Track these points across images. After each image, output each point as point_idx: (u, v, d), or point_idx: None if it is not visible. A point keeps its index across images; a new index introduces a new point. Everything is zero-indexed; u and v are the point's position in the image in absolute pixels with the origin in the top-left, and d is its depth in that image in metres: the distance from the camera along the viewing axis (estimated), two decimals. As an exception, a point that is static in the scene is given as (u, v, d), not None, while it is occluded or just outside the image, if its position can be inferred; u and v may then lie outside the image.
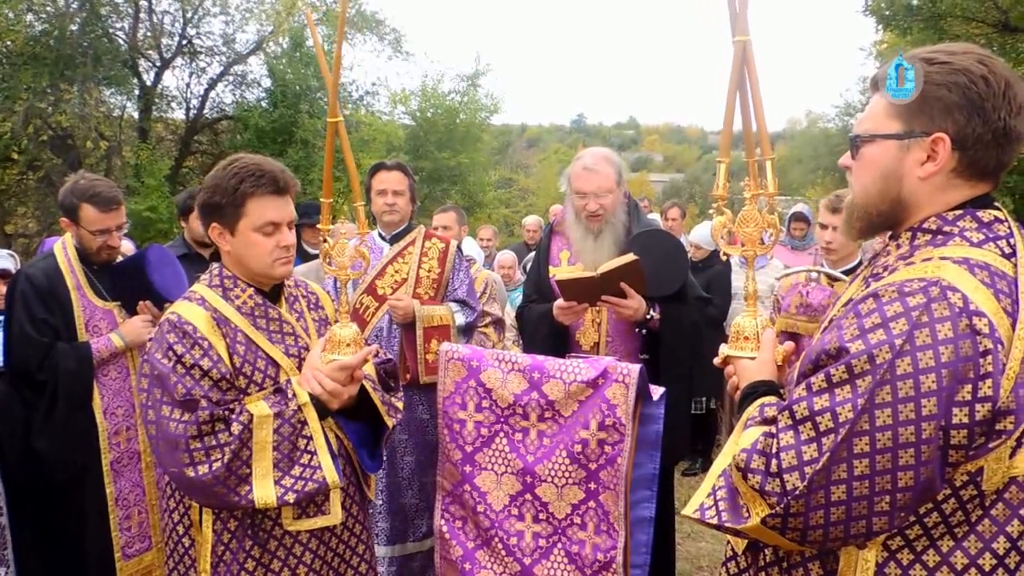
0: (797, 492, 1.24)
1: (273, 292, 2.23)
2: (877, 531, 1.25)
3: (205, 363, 1.99)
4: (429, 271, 3.62)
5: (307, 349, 2.20)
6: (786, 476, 1.25)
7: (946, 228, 1.34)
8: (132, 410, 3.23)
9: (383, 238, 3.69)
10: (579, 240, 3.21)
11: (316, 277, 3.66)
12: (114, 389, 3.19)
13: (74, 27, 12.42)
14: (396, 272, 3.60)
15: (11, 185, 12.98)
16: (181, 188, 10.85)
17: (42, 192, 12.99)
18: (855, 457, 1.21)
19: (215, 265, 2.21)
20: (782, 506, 1.25)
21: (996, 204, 1.37)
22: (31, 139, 11.77)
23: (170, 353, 1.99)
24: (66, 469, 3.08)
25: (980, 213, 1.34)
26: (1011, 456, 1.24)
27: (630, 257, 2.93)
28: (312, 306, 2.35)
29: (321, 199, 2.23)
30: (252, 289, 2.17)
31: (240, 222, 2.08)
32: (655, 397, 2.64)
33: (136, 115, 14.85)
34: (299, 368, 2.16)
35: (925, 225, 1.36)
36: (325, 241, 2.21)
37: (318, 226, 2.27)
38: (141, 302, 3.24)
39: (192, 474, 1.92)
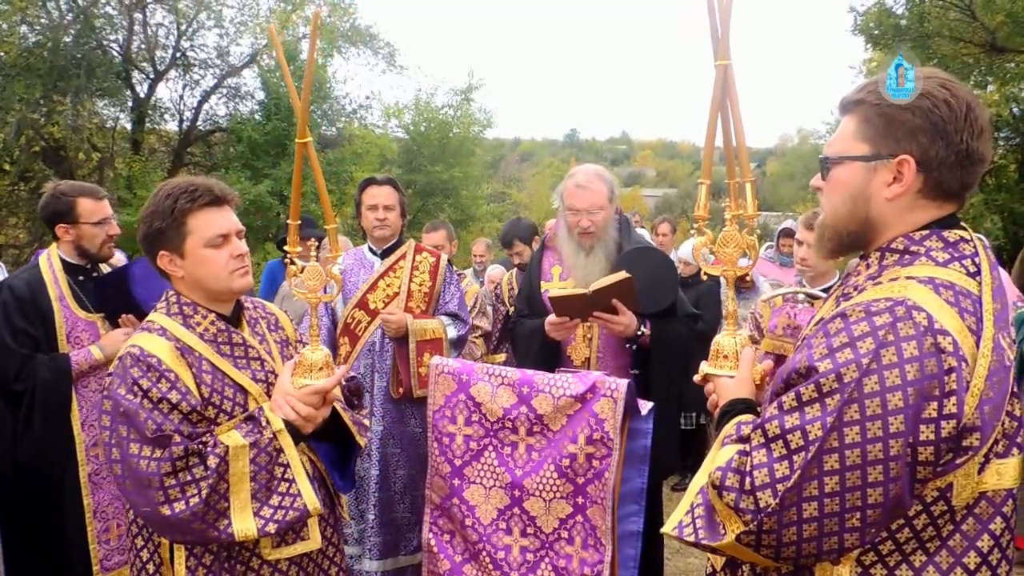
0: (769, 509, 1.26)
1: (234, 316, 2.14)
2: (849, 547, 1.28)
3: (174, 396, 1.90)
4: (421, 285, 3.65)
5: (274, 373, 2.12)
6: (759, 494, 1.27)
7: (913, 248, 1.37)
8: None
9: (374, 252, 3.72)
10: (571, 256, 3.25)
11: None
12: (93, 401, 3.16)
13: (68, 39, 12.46)
14: (388, 286, 3.62)
15: (2, 196, 12.95)
16: (174, 200, 10.82)
17: (34, 203, 12.93)
18: (825, 475, 1.24)
19: (170, 292, 2.10)
20: (755, 523, 1.27)
21: (962, 224, 1.41)
22: (23, 150, 11.77)
23: (135, 388, 1.88)
24: (43, 480, 3.06)
25: (946, 233, 1.38)
26: (980, 472, 1.27)
27: (622, 274, 2.96)
28: (272, 327, 2.27)
29: (289, 221, 2.15)
30: (213, 315, 2.07)
31: (186, 242, 2.01)
32: (643, 412, 2.66)
33: (129, 127, 14.86)
34: (268, 393, 2.08)
35: (893, 245, 1.40)
36: (292, 263, 2.13)
37: (298, 247, 2.15)
38: (123, 315, 3.24)
39: (168, 512, 1.83)
